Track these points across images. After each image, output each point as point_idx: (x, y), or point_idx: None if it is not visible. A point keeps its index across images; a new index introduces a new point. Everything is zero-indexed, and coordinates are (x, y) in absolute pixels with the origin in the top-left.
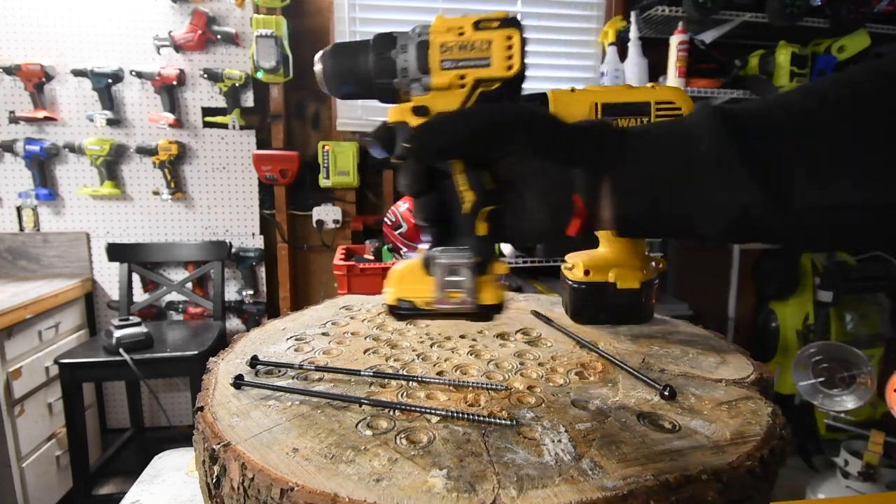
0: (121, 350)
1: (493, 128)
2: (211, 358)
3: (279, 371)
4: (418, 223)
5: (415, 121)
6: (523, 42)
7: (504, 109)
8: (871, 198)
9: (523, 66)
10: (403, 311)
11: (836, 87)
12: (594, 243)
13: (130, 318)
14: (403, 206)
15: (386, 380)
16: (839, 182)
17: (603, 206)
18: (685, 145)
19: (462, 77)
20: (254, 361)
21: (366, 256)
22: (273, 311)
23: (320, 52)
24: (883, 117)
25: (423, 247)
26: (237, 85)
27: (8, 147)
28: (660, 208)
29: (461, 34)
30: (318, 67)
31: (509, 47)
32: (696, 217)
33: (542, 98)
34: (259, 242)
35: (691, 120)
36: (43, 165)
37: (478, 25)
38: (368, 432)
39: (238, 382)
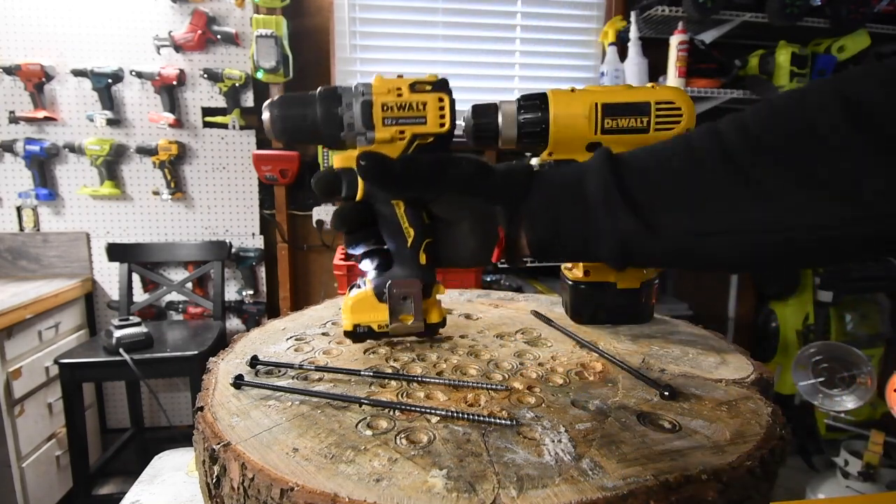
0: (121, 350)
1: (428, 172)
2: (211, 358)
3: (279, 371)
4: (350, 254)
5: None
6: (452, 103)
7: (438, 158)
8: (727, 228)
9: (453, 124)
10: (360, 335)
11: (683, 140)
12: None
13: (130, 318)
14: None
15: (386, 380)
16: (689, 214)
17: (520, 235)
18: (579, 183)
19: (402, 132)
20: (254, 361)
21: None
22: (273, 311)
23: (268, 102)
24: (709, 165)
25: (369, 277)
26: (237, 85)
27: (8, 147)
28: (561, 235)
29: (399, 95)
30: (265, 116)
31: (441, 108)
32: (590, 243)
33: (541, 98)
34: (259, 242)
35: (588, 164)
36: (43, 165)
37: (413, 88)
38: (368, 432)
39: (238, 382)
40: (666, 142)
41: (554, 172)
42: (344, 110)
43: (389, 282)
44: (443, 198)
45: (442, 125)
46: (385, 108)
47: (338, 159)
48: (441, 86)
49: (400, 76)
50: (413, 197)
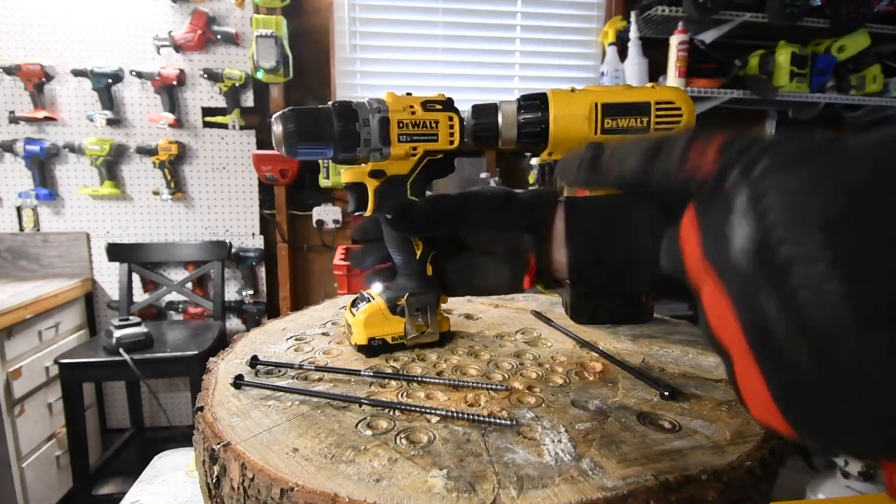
0: (121, 350)
1: (451, 212)
2: (211, 358)
3: (279, 371)
4: (361, 264)
5: (371, 183)
6: (461, 121)
7: (461, 197)
8: None
9: (462, 141)
10: (375, 348)
11: None
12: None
13: (130, 318)
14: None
15: (386, 380)
16: None
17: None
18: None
19: (414, 148)
20: (254, 361)
21: None
22: (273, 311)
23: (279, 114)
24: None
25: (375, 289)
26: (237, 85)
27: (8, 147)
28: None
29: (413, 113)
30: (277, 129)
31: (451, 126)
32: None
33: (541, 98)
34: (259, 242)
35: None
36: (43, 165)
37: (426, 106)
38: (368, 432)
39: (238, 382)
40: None
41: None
42: (361, 126)
43: (406, 294)
44: (469, 233)
45: (451, 142)
46: (401, 125)
47: (347, 174)
48: (449, 105)
49: (409, 94)
50: (441, 235)
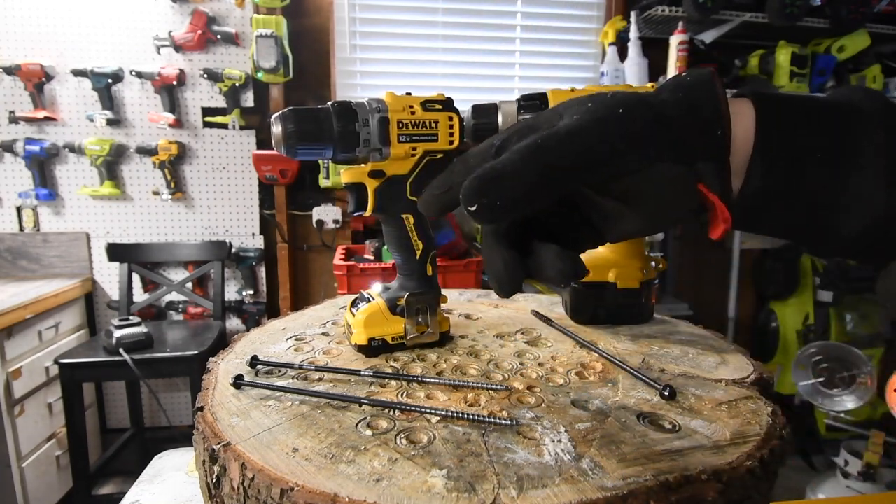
0: (121, 350)
1: (573, 167)
2: (211, 358)
3: (279, 371)
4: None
5: (371, 183)
6: (461, 121)
7: (574, 132)
8: None
9: (462, 141)
10: (375, 348)
11: None
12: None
13: (130, 318)
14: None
15: (386, 380)
16: None
17: (729, 191)
18: (847, 132)
19: (414, 148)
20: (254, 361)
21: (366, 256)
22: (273, 311)
23: (278, 115)
24: None
25: (375, 289)
26: (237, 85)
27: (8, 147)
28: (804, 186)
29: (413, 113)
30: (277, 129)
31: (451, 126)
32: (836, 212)
33: (542, 98)
34: (259, 242)
35: (859, 105)
36: (43, 165)
37: (425, 106)
38: (368, 432)
39: (238, 382)
40: None
41: (785, 102)
42: (360, 126)
43: (406, 294)
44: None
45: (451, 142)
46: (400, 125)
47: (347, 174)
48: (449, 104)
49: (408, 93)
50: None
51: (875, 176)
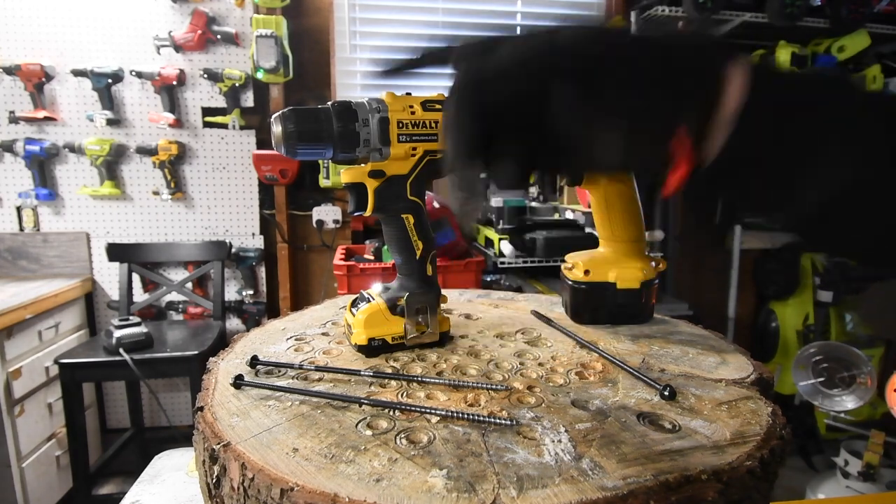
0: (121, 350)
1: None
2: (211, 358)
3: (279, 371)
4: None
5: (371, 183)
6: None
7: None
8: None
9: None
10: (375, 348)
11: None
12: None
13: (130, 318)
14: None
15: (386, 380)
16: None
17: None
18: (828, 88)
19: (414, 148)
20: (254, 361)
21: (366, 256)
22: (273, 311)
23: (278, 115)
24: None
25: (375, 289)
26: (237, 85)
27: (8, 147)
28: (782, 146)
29: (413, 113)
30: (277, 129)
31: None
32: (808, 167)
33: None
34: (259, 242)
35: (831, 73)
36: (43, 165)
37: (425, 106)
38: (368, 432)
39: (238, 382)
40: None
41: (777, 75)
42: (361, 126)
43: (406, 294)
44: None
45: None
46: (400, 125)
47: (347, 174)
48: None
49: (408, 93)
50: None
51: (842, 153)
